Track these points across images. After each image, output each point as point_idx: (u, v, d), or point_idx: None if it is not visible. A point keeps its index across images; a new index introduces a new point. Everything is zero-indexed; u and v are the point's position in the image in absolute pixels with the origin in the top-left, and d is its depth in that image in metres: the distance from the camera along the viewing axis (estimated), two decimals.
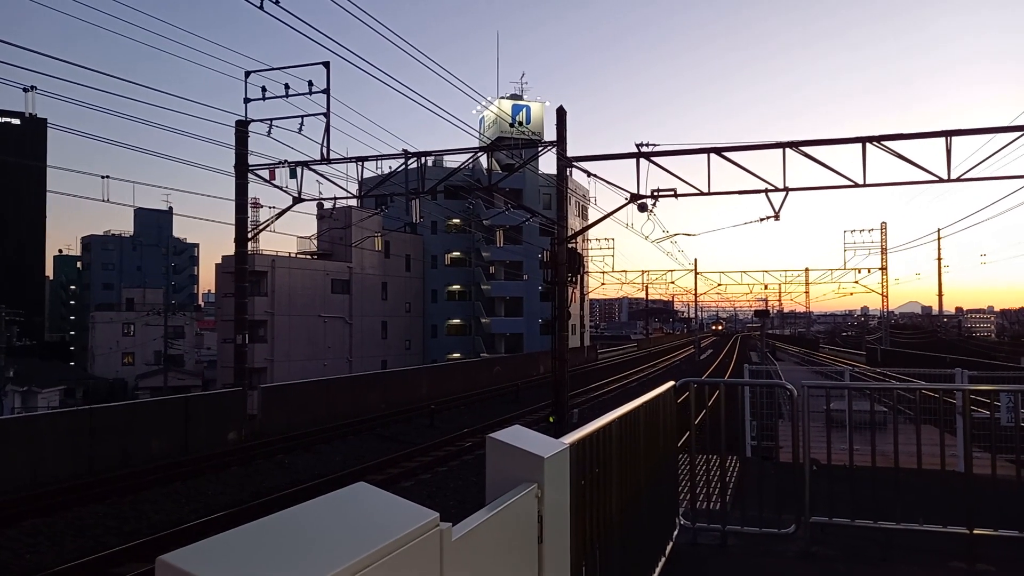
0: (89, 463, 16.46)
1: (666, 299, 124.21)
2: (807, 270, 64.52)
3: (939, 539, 5.31)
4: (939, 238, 49.88)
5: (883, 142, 17.54)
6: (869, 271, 54.77)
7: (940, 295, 54.02)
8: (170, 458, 18.06)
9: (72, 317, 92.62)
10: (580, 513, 2.82)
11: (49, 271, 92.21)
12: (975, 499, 5.20)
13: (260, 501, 13.60)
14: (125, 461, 17.23)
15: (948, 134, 17.06)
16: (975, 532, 5.14)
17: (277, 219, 23.92)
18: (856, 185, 18.08)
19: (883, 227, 53.57)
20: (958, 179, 17.38)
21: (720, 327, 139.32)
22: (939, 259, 51.19)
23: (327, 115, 20.75)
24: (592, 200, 23.46)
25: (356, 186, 23.67)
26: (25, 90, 14.71)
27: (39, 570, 10.09)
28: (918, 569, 5.12)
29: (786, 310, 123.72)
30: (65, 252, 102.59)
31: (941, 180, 17.41)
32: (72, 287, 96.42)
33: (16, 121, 74.80)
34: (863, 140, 17.68)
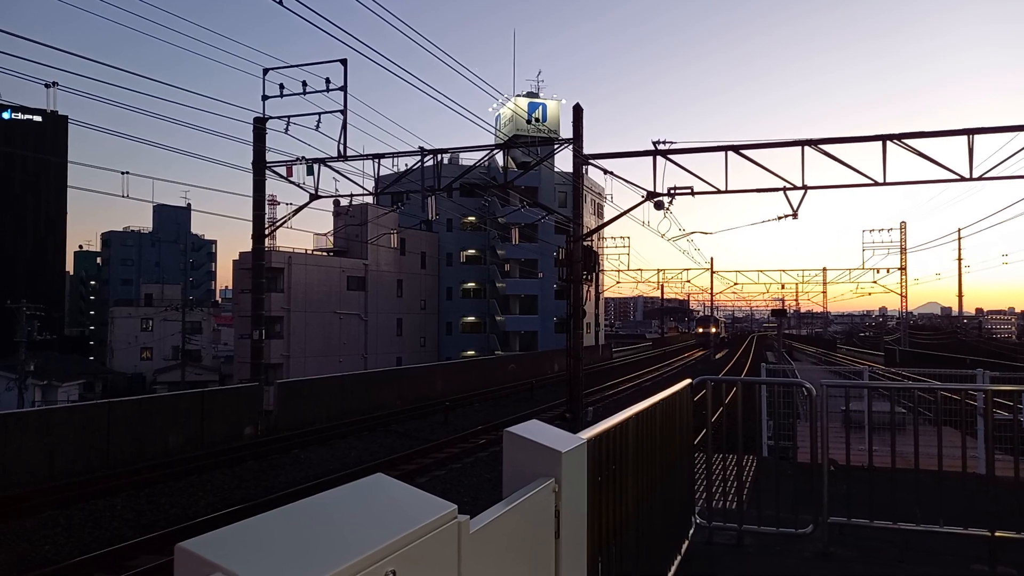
0: (106, 456, 16.62)
1: (681, 298, 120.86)
2: (825, 270, 64.00)
3: (960, 541, 5.24)
4: (959, 238, 49.30)
5: (904, 140, 17.35)
6: (888, 271, 54.17)
7: (960, 296, 53.38)
8: (187, 452, 18.21)
9: (91, 312, 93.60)
10: (596, 509, 2.80)
11: (69, 266, 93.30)
12: (997, 502, 5.12)
13: (276, 495, 13.68)
14: (142, 454, 17.39)
15: (970, 132, 16.83)
16: (996, 535, 5.06)
17: (294, 216, 24.04)
18: (876, 184, 17.89)
19: (903, 227, 52.99)
20: (980, 178, 17.14)
21: (714, 329, 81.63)
22: (959, 259, 50.56)
23: (344, 112, 20.83)
24: (608, 198, 23.40)
25: (372, 183, 23.75)
26: (47, 86, 14.87)
27: (57, 561, 10.21)
28: (938, 571, 5.05)
29: (803, 310, 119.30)
30: (85, 248, 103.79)
31: (963, 179, 17.18)
32: (92, 282, 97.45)
33: (38, 118, 75.63)
34: (883, 138, 17.49)
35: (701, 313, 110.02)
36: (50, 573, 9.56)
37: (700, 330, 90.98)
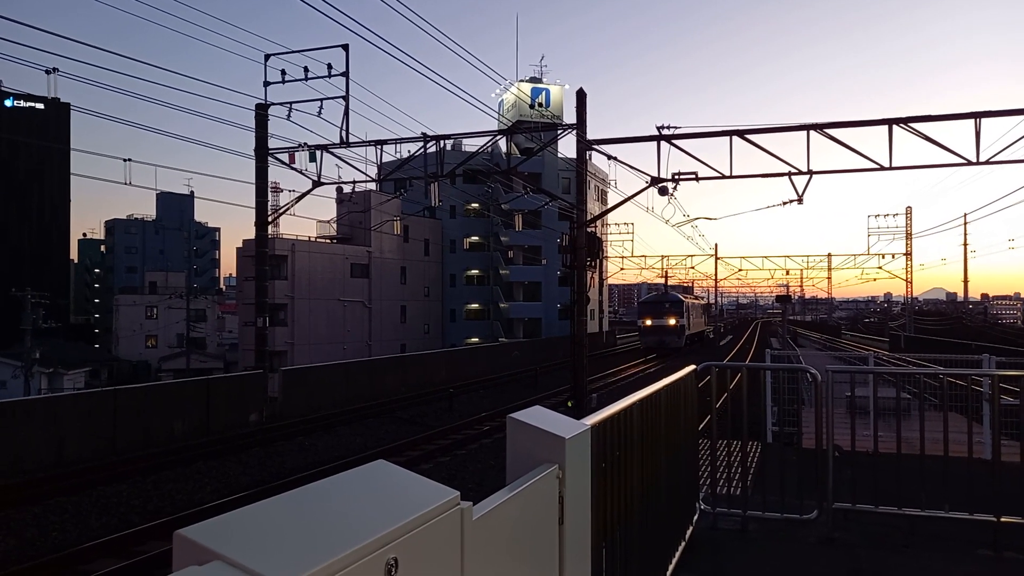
0: (112, 443, 16.71)
1: (686, 284, 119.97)
2: (829, 255, 63.82)
3: (965, 527, 5.23)
4: (965, 223, 49.07)
5: (910, 124, 17.21)
6: (893, 256, 54.00)
7: (966, 281, 53.29)
8: (192, 439, 18.30)
9: (96, 300, 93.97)
10: (601, 495, 2.79)
11: (74, 254, 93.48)
12: (1003, 487, 5.11)
13: (281, 481, 13.74)
14: (148, 441, 17.47)
15: (977, 116, 16.69)
16: (1002, 520, 5.05)
17: (297, 203, 24.01)
18: (882, 168, 17.77)
19: (908, 212, 52.75)
20: (987, 162, 17.02)
21: (675, 320, 47.28)
22: (965, 244, 50.37)
23: (346, 98, 20.73)
24: (612, 184, 23.39)
25: (375, 170, 23.68)
26: (48, 72, 14.82)
27: (65, 547, 10.28)
28: (942, 556, 5.05)
29: (808, 296, 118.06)
30: (89, 236, 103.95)
31: (969, 163, 17.05)
32: (96, 270, 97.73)
33: (40, 106, 75.50)
34: (890, 122, 17.36)
35: (704, 300, 67.75)
36: (58, 559, 9.63)
37: (648, 322, 47.30)
